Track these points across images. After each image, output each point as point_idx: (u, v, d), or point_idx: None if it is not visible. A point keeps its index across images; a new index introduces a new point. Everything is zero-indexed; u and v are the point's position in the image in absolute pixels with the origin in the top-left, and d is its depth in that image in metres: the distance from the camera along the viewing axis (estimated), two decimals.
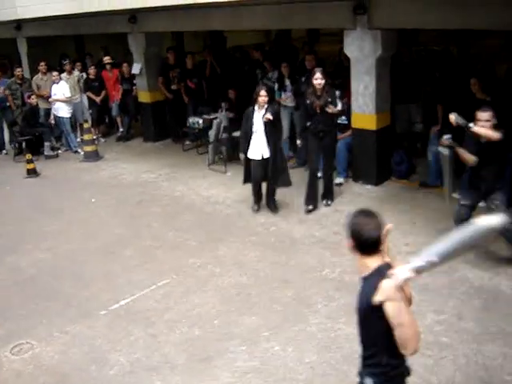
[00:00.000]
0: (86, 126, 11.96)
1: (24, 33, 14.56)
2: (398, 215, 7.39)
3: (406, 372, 3.00)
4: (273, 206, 8.12)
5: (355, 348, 3.46)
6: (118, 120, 13.35)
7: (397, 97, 9.13)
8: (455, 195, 6.80)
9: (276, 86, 10.12)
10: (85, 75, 13.17)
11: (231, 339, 5.26)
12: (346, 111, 8.82)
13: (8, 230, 8.38)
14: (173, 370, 4.92)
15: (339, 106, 7.89)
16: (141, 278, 6.56)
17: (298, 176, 8.68)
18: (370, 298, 2.77)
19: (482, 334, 5.04)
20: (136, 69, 12.41)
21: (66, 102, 12.38)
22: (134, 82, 12.80)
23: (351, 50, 8.52)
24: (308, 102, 7.78)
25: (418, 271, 2.69)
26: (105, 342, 5.39)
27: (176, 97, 12.15)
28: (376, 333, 2.84)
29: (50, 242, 7.79)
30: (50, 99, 12.43)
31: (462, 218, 6.18)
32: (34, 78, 12.93)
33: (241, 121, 8.22)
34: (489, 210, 5.91)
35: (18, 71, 13.06)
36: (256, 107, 7.71)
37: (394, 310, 2.70)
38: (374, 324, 2.82)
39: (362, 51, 8.35)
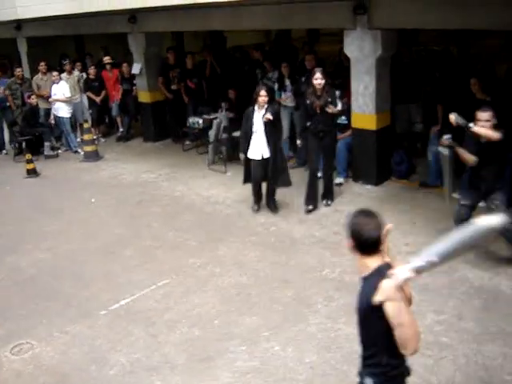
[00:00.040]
0: (85, 125, 11.96)
1: (24, 33, 14.56)
2: (398, 215, 7.39)
3: (406, 372, 3.00)
4: (273, 205, 8.12)
5: (355, 348, 3.47)
6: (118, 120, 13.35)
7: (397, 97, 9.12)
8: (455, 195, 6.80)
9: (276, 86, 10.12)
10: (85, 75, 13.17)
11: (231, 339, 5.26)
12: (346, 111, 8.83)
13: (8, 229, 8.38)
14: (173, 370, 4.92)
15: (339, 106, 7.89)
16: (141, 277, 6.56)
17: (298, 176, 8.68)
18: (370, 298, 2.76)
19: (481, 334, 5.04)
20: (136, 69, 12.41)
21: (66, 101, 12.38)
22: (134, 82, 12.79)
23: (351, 50, 8.52)
24: (308, 102, 7.78)
25: (418, 271, 2.69)
26: (105, 342, 5.39)
27: (176, 97, 12.15)
28: (376, 333, 2.84)
29: (49, 242, 7.79)
30: (49, 99, 12.43)
31: (462, 218, 6.18)
32: (34, 78, 12.94)
33: (241, 121, 8.22)
34: (489, 210, 5.91)
35: (18, 71, 13.06)
36: (256, 107, 7.71)
37: (393, 310, 2.69)
38: (373, 324, 2.82)
39: (362, 51, 8.35)
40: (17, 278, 6.85)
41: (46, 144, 12.19)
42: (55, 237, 7.98)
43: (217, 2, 8.97)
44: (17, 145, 12.36)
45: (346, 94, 8.88)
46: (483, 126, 5.70)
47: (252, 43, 14.01)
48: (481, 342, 4.93)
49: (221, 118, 10.68)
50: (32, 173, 10.96)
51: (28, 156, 10.97)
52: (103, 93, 12.96)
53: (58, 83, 12.32)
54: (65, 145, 12.77)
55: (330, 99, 7.67)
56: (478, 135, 5.80)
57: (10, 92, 12.69)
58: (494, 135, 5.66)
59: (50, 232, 8.15)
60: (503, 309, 5.40)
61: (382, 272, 2.78)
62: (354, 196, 8.49)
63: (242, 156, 8.08)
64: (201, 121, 11.03)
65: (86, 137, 11.87)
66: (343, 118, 8.98)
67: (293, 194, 8.27)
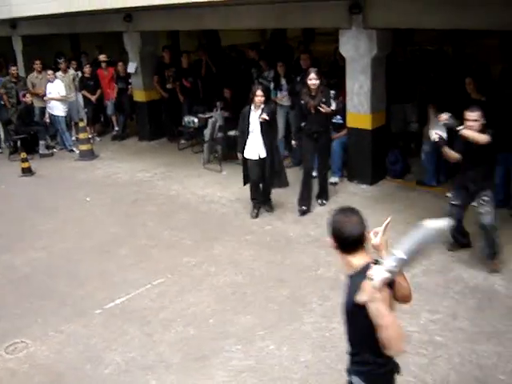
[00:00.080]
0: (81, 124, 11.96)
1: (19, 31, 14.52)
2: (392, 215, 7.32)
3: (395, 369, 2.97)
4: (268, 205, 8.13)
5: None
6: (114, 119, 13.34)
7: (392, 96, 9.13)
8: (448, 194, 6.82)
9: (272, 85, 10.12)
10: (80, 74, 13.16)
11: (226, 338, 5.26)
12: (342, 111, 8.84)
13: (2, 228, 8.36)
14: (168, 369, 4.92)
15: (333, 106, 7.89)
16: (136, 276, 6.56)
17: (294, 175, 8.67)
18: (354, 297, 2.74)
19: (476, 333, 5.06)
20: (131, 68, 12.40)
21: (61, 100, 12.37)
22: (130, 80, 12.79)
23: (346, 50, 8.53)
24: (302, 102, 7.78)
25: (392, 272, 2.65)
26: (100, 341, 5.39)
27: (171, 96, 12.15)
28: (361, 331, 2.81)
29: (44, 241, 7.78)
30: (45, 98, 12.41)
31: (454, 218, 6.20)
32: (29, 77, 12.92)
33: (236, 120, 8.22)
34: (478, 207, 5.91)
35: (13, 70, 13.04)
36: (252, 107, 7.70)
37: (375, 311, 2.65)
38: (359, 322, 2.78)
39: (357, 51, 8.36)
40: (11, 277, 6.83)
41: (41, 143, 12.17)
42: (50, 235, 7.97)
43: (212, 1, 8.97)
44: (12, 143, 12.34)
45: (341, 94, 8.89)
46: (471, 126, 5.69)
47: (247, 42, 14.00)
48: (475, 341, 4.94)
49: (216, 117, 10.68)
50: (27, 171, 10.93)
51: (23, 155, 10.95)
52: (98, 91, 12.95)
53: (53, 82, 12.32)
54: (60, 143, 12.74)
55: (324, 99, 7.67)
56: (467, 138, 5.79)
57: (4, 91, 12.69)
58: (482, 139, 5.64)
59: (45, 231, 8.14)
60: (498, 308, 5.42)
61: (367, 271, 2.71)
62: (349, 195, 8.50)
63: (240, 156, 8.07)
64: (196, 120, 11.04)
65: (81, 135, 11.86)
66: (338, 117, 8.98)
67: (288, 194, 8.27)
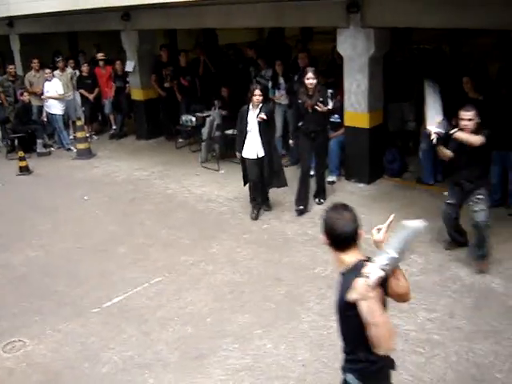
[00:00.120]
0: (78, 123, 11.95)
1: (17, 30, 14.50)
2: (389, 213, 7.37)
3: (390, 365, 2.97)
4: (266, 204, 8.13)
5: None
6: (111, 118, 13.33)
7: (390, 95, 9.14)
8: (445, 193, 6.83)
9: (270, 84, 10.12)
10: (78, 72, 13.13)
11: (224, 337, 5.27)
12: (339, 109, 8.84)
13: (0, 227, 8.35)
14: (165, 367, 4.93)
15: (330, 105, 7.89)
16: (134, 275, 6.56)
17: (291, 174, 8.67)
18: (346, 294, 2.73)
19: (473, 332, 5.08)
20: (129, 66, 12.39)
21: (59, 99, 12.35)
22: (127, 79, 12.77)
23: (344, 49, 8.53)
24: (300, 101, 7.78)
25: (386, 270, 2.65)
26: (97, 340, 5.39)
27: (169, 94, 12.14)
28: (354, 329, 2.79)
29: (42, 240, 7.77)
30: (42, 96, 12.40)
31: (450, 217, 6.21)
32: (27, 75, 12.90)
33: (234, 118, 8.21)
34: (472, 205, 5.91)
35: (10, 68, 13.01)
36: (250, 106, 7.69)
37: (366, 310, 2.65)
38: (352, 320, 2.77)
39: (354, 49, 8.36)
40: (10, 276, 6.83)
41: (39, 141, 12.15)
42: (48, 234, 7.97)
43: (210, 0, 8.96)
44: (9, 142, 12.32)
45: (339, 93, 8.89)
46: (466, 125, 5.68)
47: (245, 41, 14.01)
48: (472, 339, 4.96)
49: (214, 115, 10.67)
50: (24, 170, 10.92)
51: (20, 153, 10.93)
52: (96, 90, 12.93)
53: (50, 80, 12.29)
54: (57, 142, 12.72)
55: (321, 98, 7.66)
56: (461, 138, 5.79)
57: (2, 89, 12.66)
58: (476, 140, 5.64)
59: (43, 230, 8.13)
60: (494, 307, 5.43)
61: (359, 269, 2.72)
62: (347, 194, 8.49)
63: (239, 155, 8.06)
64: (194, 119, 11.04)
65: (79, 134, 11.85)
66: (336, 116, 8.99)
67: (286, 192, 8.28)
